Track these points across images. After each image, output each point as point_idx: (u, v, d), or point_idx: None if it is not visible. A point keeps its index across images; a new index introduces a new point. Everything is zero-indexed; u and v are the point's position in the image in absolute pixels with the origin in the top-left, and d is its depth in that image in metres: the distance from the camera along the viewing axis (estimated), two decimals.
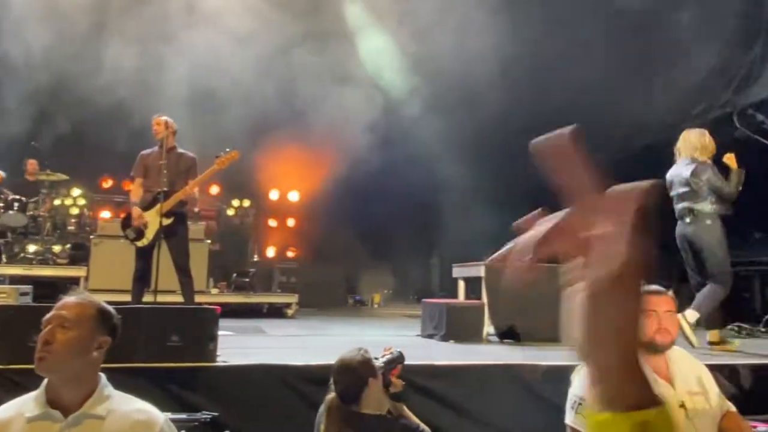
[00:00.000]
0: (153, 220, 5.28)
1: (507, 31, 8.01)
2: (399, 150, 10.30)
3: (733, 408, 2.63)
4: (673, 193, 5.15)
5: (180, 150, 5.61)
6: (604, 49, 8.56)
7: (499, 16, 8.19)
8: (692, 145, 5.14)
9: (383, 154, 10.28)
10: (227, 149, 5.52)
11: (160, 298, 5.30)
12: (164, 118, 5.47)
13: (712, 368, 2.72)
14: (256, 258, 10.41)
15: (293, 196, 11.78)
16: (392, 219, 12.00)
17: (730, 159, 5.07)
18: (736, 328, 7.03)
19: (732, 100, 8.07)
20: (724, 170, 5.10)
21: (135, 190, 5.52)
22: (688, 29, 8.50)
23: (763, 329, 6.73)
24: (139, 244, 5.32)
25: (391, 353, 2.69)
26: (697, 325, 4.84)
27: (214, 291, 8.51)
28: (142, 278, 5.37)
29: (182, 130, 5.75)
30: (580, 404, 2.49)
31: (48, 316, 1.81)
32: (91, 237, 7.72)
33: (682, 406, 2.44)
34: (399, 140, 10.28)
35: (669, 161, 10.06)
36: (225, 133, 7.96)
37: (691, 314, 4.85)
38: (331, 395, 2.53)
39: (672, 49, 8.80)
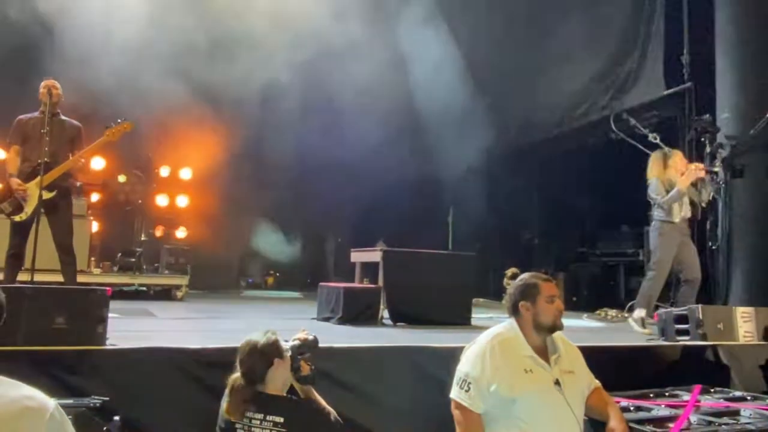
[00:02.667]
0: (33, 193, 4.88)
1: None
2: (294, 131, 10.22)
3: (599, 384, 2.95)
4: None
5: (64, 117, 5.21)
6: (499, 52, 9.04)
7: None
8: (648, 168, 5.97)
9: (279, 134, 10.16)
10: (119, 119, 5.18)
11: (38, 278, 4.96)
12: (54, 81, 5.10)
13: (584, 349, 3.01)
14: (143, 237, 9.92)
15: (185, 174, 11.32)
16: (287, 201, 11.90)
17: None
18: (602, 313, 7.72)
19: (609, 105, 8.79)
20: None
21: (11, 159, 5.05)
22: (577, 38, 9.16)
23: (626, 314, 7.41)
24: (17, 218, 4.88)
25: (306, 336, 2.74)
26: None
27: (97, 271, 8.04)
28: (17, 256, 4.95)
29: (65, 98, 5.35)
30: (464, 380, 2.69)
31: None
32: None
33: (557, 383, 2.70)
34: (293, 121, 10.18)
35: (554, 155, 10.75)
36: (113, 102, 7.49)
37: (638, 312, 5.65)
38: (235, 375, 2.54)
39: (561, 54, 9.44)
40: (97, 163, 9.54)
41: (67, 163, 5.02)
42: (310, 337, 2.75)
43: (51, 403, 1.77)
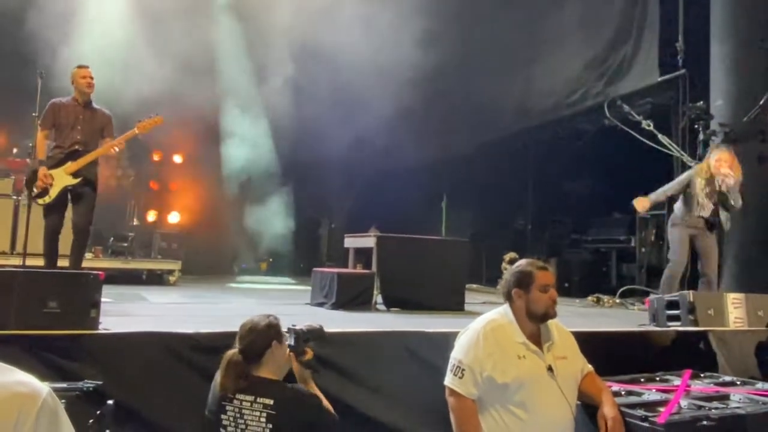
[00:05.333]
0: (60, 179, 4.97)
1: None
2: (287, 118, 10.16)
3: (592, 369, 2.97)
4: None
5: (96, 105, 5.24)
6: (494, 38, 8.98)
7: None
8: None
9: (273, 119, 10.11)
10: (151, 114, 5.22)
11: (32, 262, 4.99)
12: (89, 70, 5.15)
13: (576, 335, 3.03)
14: (135, 222, 9.86)
15: (177, 159, 11.25)
16: (280, 187, 11.84)
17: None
18: (594, 299, 7.77)
19: (603, 91, 8.77)
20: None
21: (41, 143, 5.05)
22: (571, 24, 9.12)
23: (618, 300, 7.48)
24: (41, 201, 4.98)
25: (314, 325, 2.80)
26: None
27: (89, 255, 7.98)
28: (56, 231, 5.02)
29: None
30: (458, 367, 2.70)
31: None
32: None
33: (550, 369, 2.71)
34: (285, 107, 10.13)
35: (548, 142, 10.72)
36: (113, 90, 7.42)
37: None
38: (233, 351, 2.56)
39: (555, 40, 9.41)
40: None
41: (97, 151, 5.10)
42: (317, 326, 2.79)
43: (44, 389, 1.74)
